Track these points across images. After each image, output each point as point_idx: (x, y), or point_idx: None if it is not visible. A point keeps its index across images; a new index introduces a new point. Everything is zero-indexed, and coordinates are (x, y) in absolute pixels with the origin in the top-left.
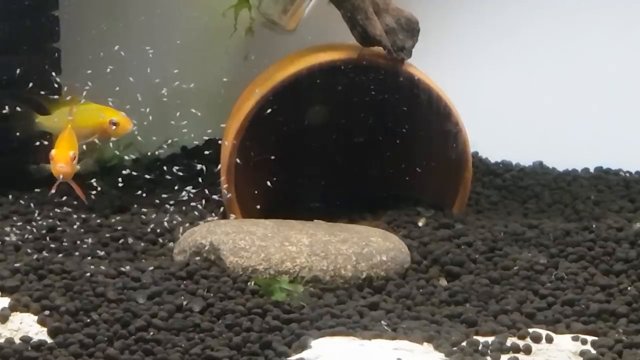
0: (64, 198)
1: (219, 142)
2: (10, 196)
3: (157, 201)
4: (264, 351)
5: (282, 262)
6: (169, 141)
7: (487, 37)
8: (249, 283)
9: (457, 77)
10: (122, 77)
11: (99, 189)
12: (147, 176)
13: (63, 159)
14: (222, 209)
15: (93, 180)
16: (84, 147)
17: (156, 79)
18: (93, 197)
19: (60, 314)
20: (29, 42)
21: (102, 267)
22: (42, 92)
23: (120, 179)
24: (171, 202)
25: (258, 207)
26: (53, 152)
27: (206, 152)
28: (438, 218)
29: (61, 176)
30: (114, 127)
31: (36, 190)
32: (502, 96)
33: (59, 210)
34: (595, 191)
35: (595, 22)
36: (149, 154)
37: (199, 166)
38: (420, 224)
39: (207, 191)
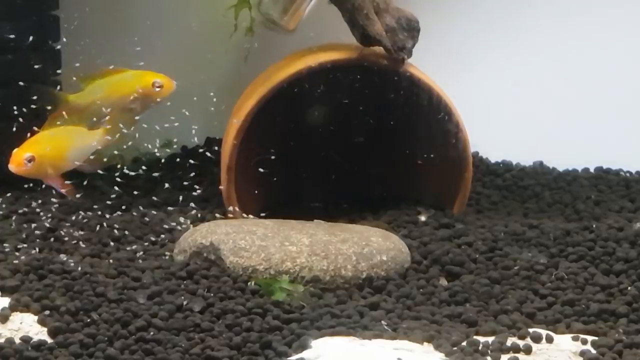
0: (64, 198)
1: (219, 142)
2: (10, 196)
3: (158, 201)
4: (264, 351)
5: (283, 262)
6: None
7: (488, 37)
8: (249, 283)
9: (457, 77)
10: None
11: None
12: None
13: (15, 160)
14: (222, 208)
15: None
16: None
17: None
18: (92, 197)
19: (61, 313)
20: (28, 42)
21: (102, 267)
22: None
23: (120, 179)
24: (171, 202)
25: (258, 207)
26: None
27: (207, 152)
28: (438, 218)
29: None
30: (158, 89)
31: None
32: (502, 96)
33: (59, 210)
34: (595, 191)
35: (594, 23)
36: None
37: (199, 166)
38: (422, 218)
39: (207, 191)
